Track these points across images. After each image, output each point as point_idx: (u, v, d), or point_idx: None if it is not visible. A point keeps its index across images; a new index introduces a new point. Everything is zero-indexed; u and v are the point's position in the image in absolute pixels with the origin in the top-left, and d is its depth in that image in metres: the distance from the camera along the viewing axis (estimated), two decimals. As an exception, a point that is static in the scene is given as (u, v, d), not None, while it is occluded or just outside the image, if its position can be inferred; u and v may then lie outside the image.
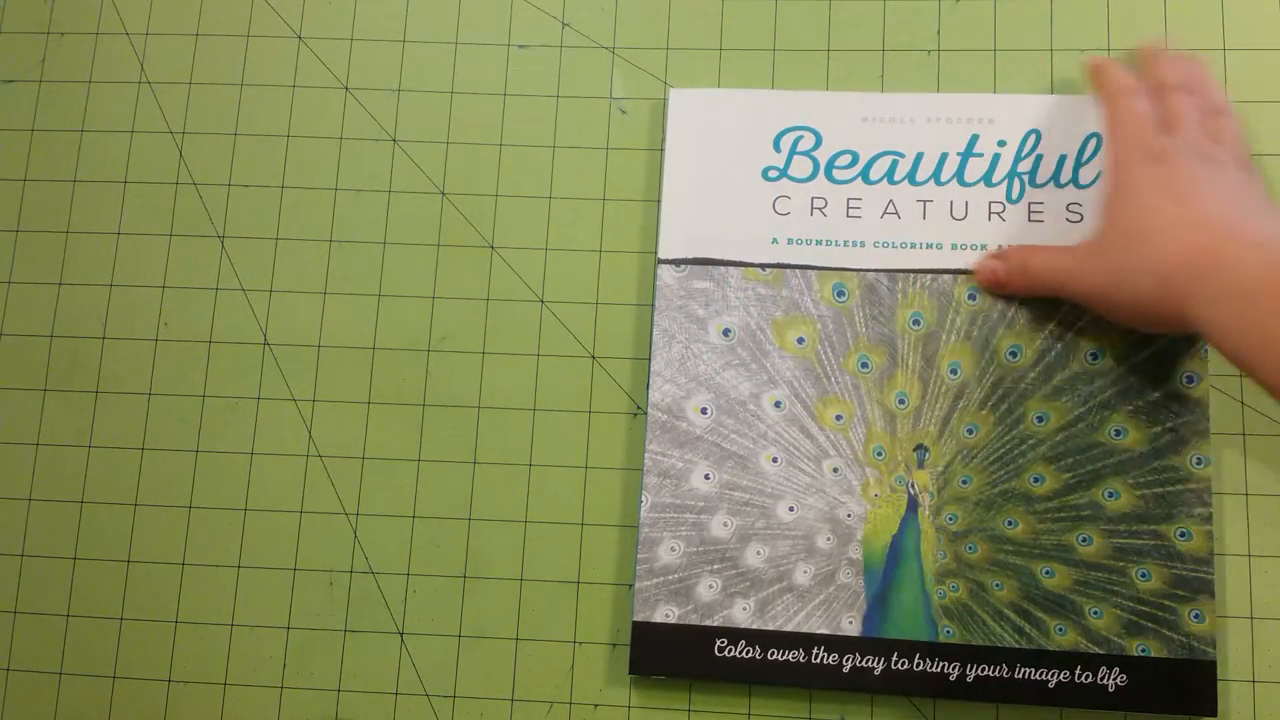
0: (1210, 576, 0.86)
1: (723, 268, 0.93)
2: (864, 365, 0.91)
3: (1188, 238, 0.78)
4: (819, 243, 0.93)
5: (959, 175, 0.93)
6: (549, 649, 0.92)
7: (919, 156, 0.94)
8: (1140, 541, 0.87)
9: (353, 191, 0.99)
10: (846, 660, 0.88)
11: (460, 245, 0.98)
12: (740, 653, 0.89)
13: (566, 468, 0.94)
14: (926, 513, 0.89)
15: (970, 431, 0.90)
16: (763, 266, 0.93)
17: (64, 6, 1.04)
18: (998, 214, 0.92)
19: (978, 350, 0.90)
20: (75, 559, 0.96)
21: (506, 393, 0.96)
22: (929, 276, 0.92)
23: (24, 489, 0.97)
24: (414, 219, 0.98)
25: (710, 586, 0.89)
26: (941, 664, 0.87)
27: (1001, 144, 0.94)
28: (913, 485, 0.90)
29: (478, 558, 0.94)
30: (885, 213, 0.93)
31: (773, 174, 0.95)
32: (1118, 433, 0.89)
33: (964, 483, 0.89)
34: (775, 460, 0.91)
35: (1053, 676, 0.86)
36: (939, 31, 0.98)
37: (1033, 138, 0.93)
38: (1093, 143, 0.93)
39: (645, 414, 0.93)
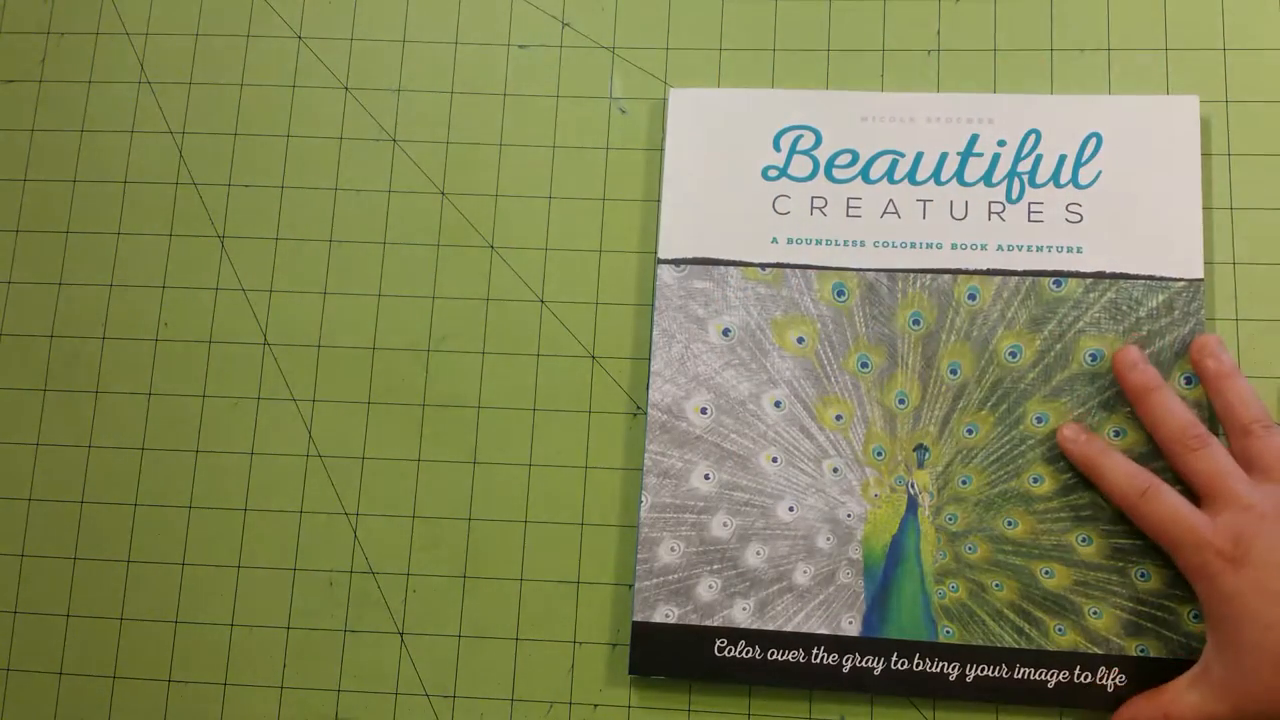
0: (1209, 576, 0.86)
1: (722, 267, 0.93)
2: (864, 365, 0.91)
3: None
4: (819, 242, 0.93)
5: (959, 175, 0.93)
6: (549, 649, 0.92)
7: (919, 156, 0.94)
8: (1139, 542, 0.87)
9: (353, 191, 0.99)
10: (846, 660, 0.88)
11: (460, 245, 0.98)
12: (740, 653, 0.89)
13: (566, 468, 0.94)
14: (926, 513, 0.89)
15: (970, 431, 0.90)
16: (762, 266, 0.93)
17: (64, 6, 1.04)
18: (998, 214, 0.92)
19: (977, 350, 0.90)
20: (75, 559, 0.96)
21: (506, 393, 0.96)
22: (929, 276, 0.92)
23: (24, 489, 0.97)
24: (414, 219, 0.98)
25: (710, 587, 0.89)
26: (941, 664, 0.87)
27: (1001, 144, 0.94)
28: (912, 485, 0.90)
29: (478, 558, 0.94)
30: (885, 212, 0.93)
31: (772, 173, 0.95)
32: (1117, 433, 0.89)
33: (964, 483, 0.89)
34: (775, 460, 0.91)
35: (1052, 676, 0.86)
36: (939, 31, 0.98)
37: (1032, 138, 0.93)
38: (1092, 143, 0.93)
39: (645, 414, 0.93)
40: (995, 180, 0.93)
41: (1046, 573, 0.88)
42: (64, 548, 0.96)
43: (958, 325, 0.91)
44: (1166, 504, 0.83)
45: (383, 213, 0.98)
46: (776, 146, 0.95)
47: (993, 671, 0.87)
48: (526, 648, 0.92)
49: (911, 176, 0.94)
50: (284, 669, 0.93)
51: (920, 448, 0.90)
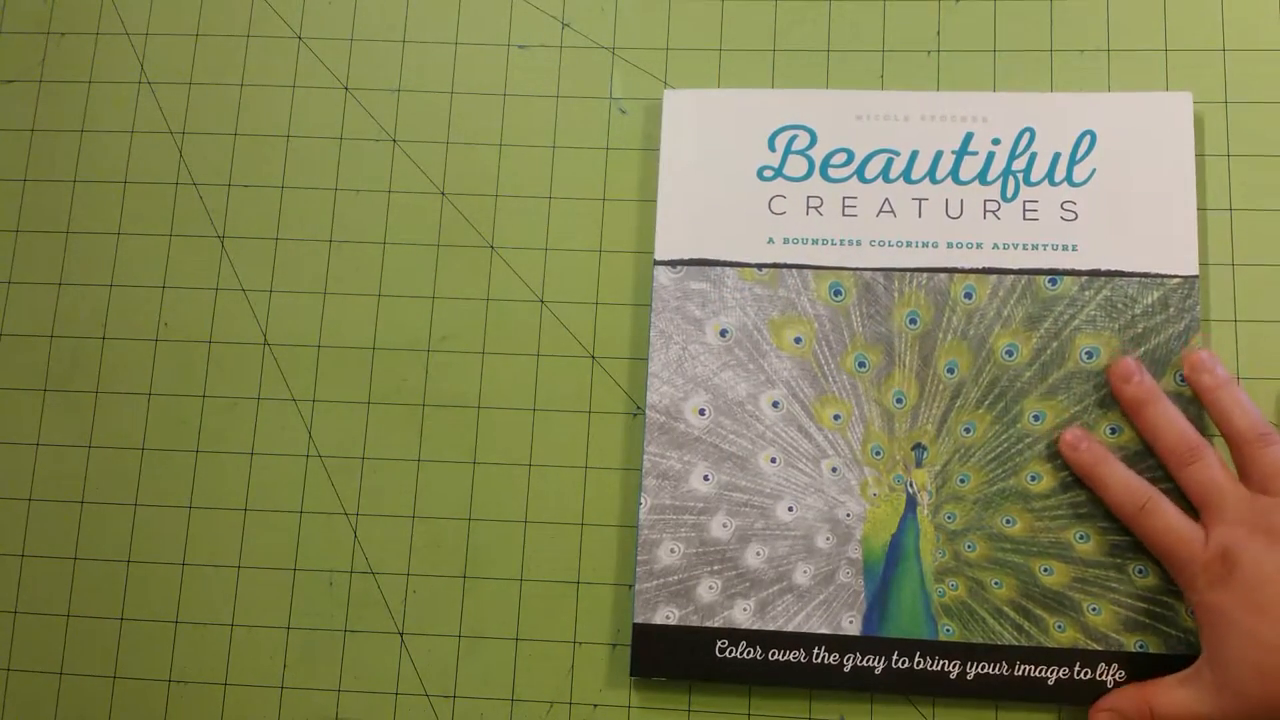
0: (1207, 572, 0.86)
1: (719, 268, 0.93)
2: (861, 364, 0.91)
3: None
4: (815, 242, 0.93)
5: (954, 173, 0.94)
6: (549, 649, 0.92)
7: (914, 155, 0.94)
8: (1137, 539, 0.87)
9: (353, 191, 0.99)
10: (847, 660, 0.88)
11: (460, 245, 0.98)
12: (741, 653, 0.89)
13: (566, 468, 0.94)
14: (925, 511, 0.89)
15: (968, 430, 0.90)
16: (759, 266, 0.93)
17: (64, 6, 1.04)
18: (993, 212, 0.93)
19: (974, 349, 0.91)
20: (75, 559, 0.96)
21: (506, 393, 0.96)
22: (925, 275, 0.92)
23: (24, 489, 0.97)
24: (414, 219, 0.98)
25: (710, 587, 0.90)
26: (942, 662, 0.87)
27: (996, 142, 0.94)
28: (911, 484, 0.90)
29: (478, 558, 0.94)
30: (881, 211, 0.93)
31: (768, 173, 0.95)
32: (1113, 430, 0.89)
33: (962, 481, 0.89)
34: (774, 460, 0.91)
35: (1052, 673, 0.86)
36: (939, 31, 0.98)
37: (1026, 135, 0.94)
38: (1086, 140, 0.93)
39: (645, 414, 0.93)
40: (990, 179, 0.93)
41: (1045, 570, 0.88)
42: (64, 548, 0.96)
43: (954, 324, 0.91)
44: (1162, 519, 0.84)
45: (383, 213, 0.99)
46: (771, 146, 0.95)
47: (993, 669, 0.87)
48: (526, 648, 0.92)
49: (907, 175, 0.94)
50: (284, 669, 0.93)
51: (918, 447, 0.90)
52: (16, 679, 0.94)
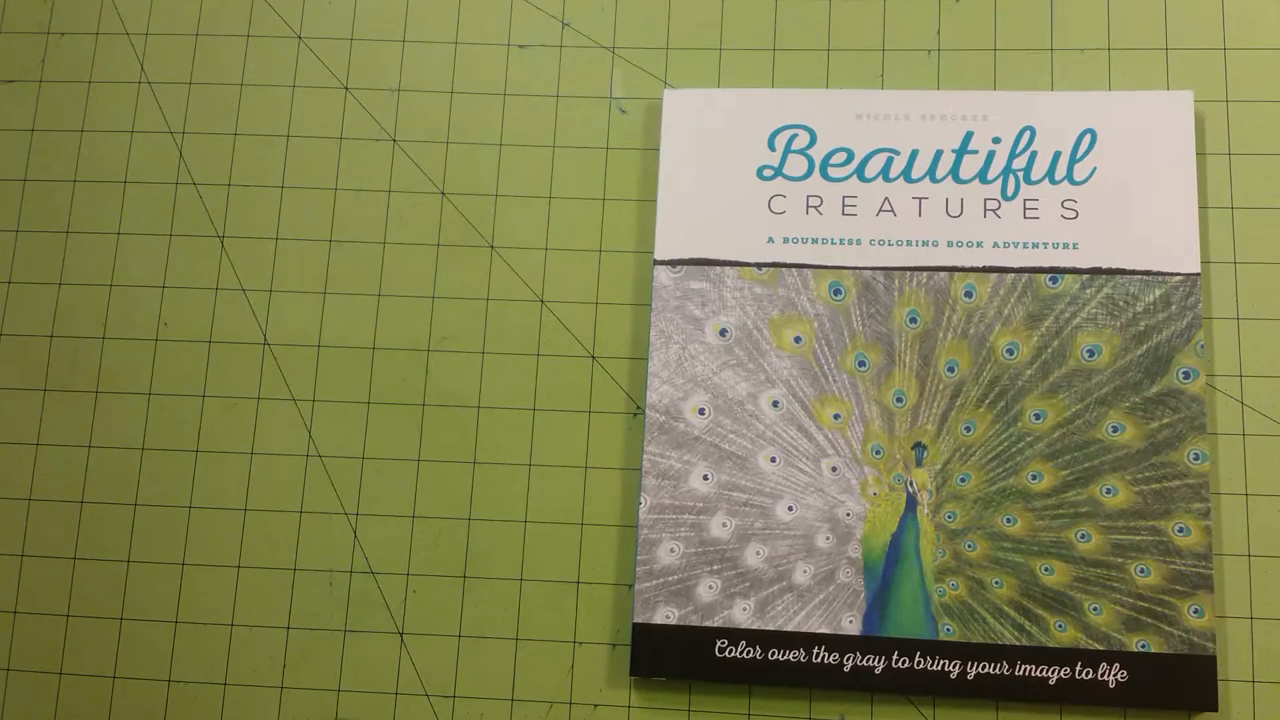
0: (1209, 572, 0.86)
1: (719, 268, 0.93)
2: (861, 364, 0.91)
3: None
4: (815, 241, 0.93)
5: (954, 172, 0.94)
6: (549, 649, 0.92)
7: (914, 154, 0.94)
8: (1139, 538, 0.87)
9: (353, 191, 0.99)
10: (847, 659, 0.88)
11: (460, 245, 0.98)
12: (741, 653, 0.89)
13: (566, 468, 0.94)
14: (925, 511, 0.89)
15: (968, 429, 0.90)
16: (759, 266, 0.93)
17: (64, 6, 1.04)
18: (993, 211, 0.93)
19: (975, 348, 0.91)
20: (75, 559, 0.96)
21: (506, 393, 0.96)
22: (925, 274, 0.92)
23: (24, 489, 0.97)
24: (414, 219, 0.98)
25: (710, 587, 0.90)
26: (942, 662, 0.87)
27: (996, 141, 0.94)
28: (911, 483, 0.90)
29: (478, 558, 0.94)
30: (881, 210, 0.94)
31: (768, 173, 0.95)
32: (1115, 429, 0.89)
33: (962, 480, 0.89)
34: (774, 460, 0.91)
35: (1053, 673, 0.86)
36: (939, 31, 0.98)
37: (1027, 134, 0.94)
38: (1087, 139, 0.93)
39: (645, 414, 0.93)
40: (990, 177, 0.93)
41: (1046, 569, 0.88)
42: (64, 548, 0.96)
43: (955, 323, 0.91)
44: None
45: (383, 213, 0.99)
46: (771, 146, 0.95)
47: (994, 669, 0.87)
48: (526, 648, 0.92)
49: (907, 174, 0.94)
50: (284, 669, 0.93)
51: (918, 446, 0.90)
52: (16, 679, 0.94)
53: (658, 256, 0.94)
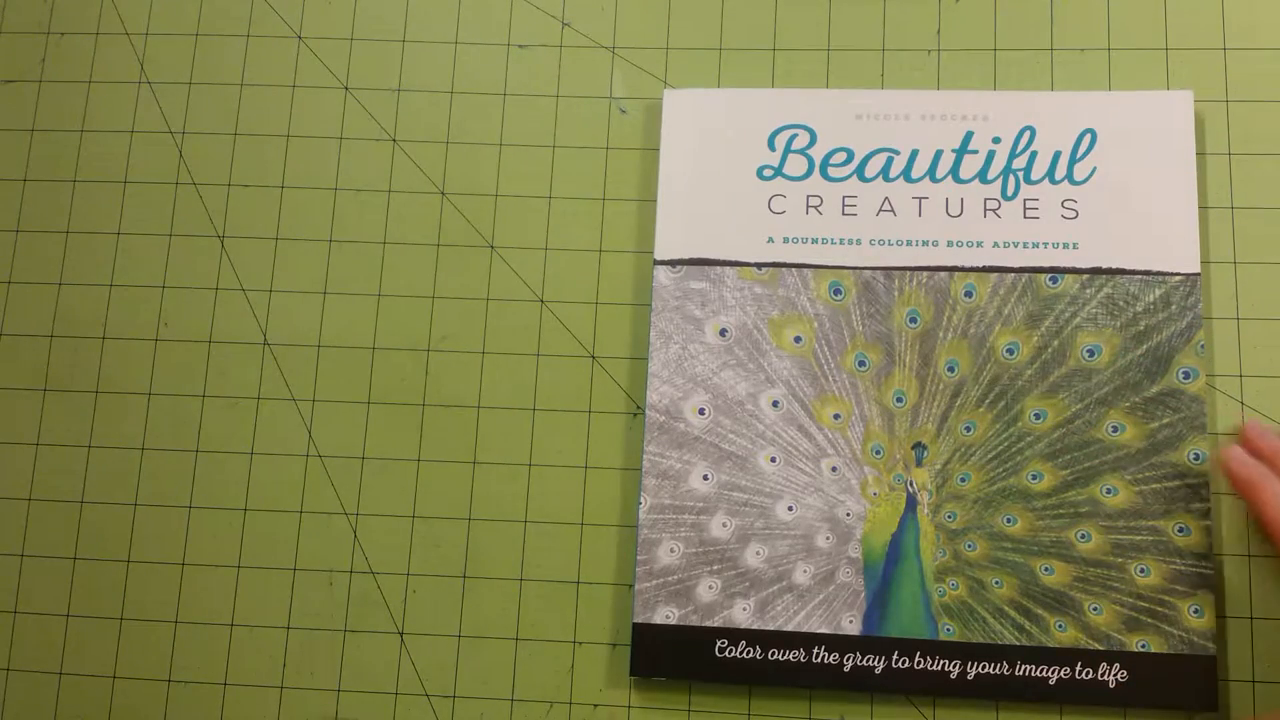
0: (1209, 572, 0.86)
1: (719, 268, 0.93)
2: (861, 363, 0.91)
3: None
4: (815, 241, 0.93)
5: (954, 172, 0.94)
6: (549, 649, 0.92)
7: (914, 154, 0.94)
8: (1139, 537, 0.87)
9: (353, 191, 0.99)
10: (847, 659, 0.88)
11: (460, 245, 0.98)
12: (741, 653, 0.89)
13: (566, 468, 0.94)
14: (925, 511, 0.89)
15: (968, 429, 0.90)
16: (759, 266, 0.93)
17: (64, 6, 1.04)
18: (993, 211, 0.93)
19: (975, 347, 0.91)
20: (75, 559, 0.96)
21: (506, 393, 0.96)
22: (925, 274, 0.92)
23: (24, 489, 0.97)
24: (414, 219, 0.98)
25: (710, 587, 0.90)
26: (942, 662, 0.87)
27: (996, 140, 0.94)
28: (911, 483, 0.90)
29: (478, 558, 0.94)
30: (881, 210, 0.94)
31: (768, 173, 0.95)
32: (1115, 429, 0.89)
33: (962, 480, 0.89)
34: (774, 460, 0.91)
35: (1053, 673, 0.86)
36: (939, 31, 0.98)
37: (1027, 134, 0.94)
38: (1087, 139, 0.93)
39: (645, 414, 0.93)
40: (990, 177, 0.93)
41: (1046, 569, 0.88)
42: (64, 548, 0.96)
43: (955, 323, 0.91)
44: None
45: (383, 213, 0.98)
46: (771, 146, 0.95)
47: (994, 669, 0.87)
48: (526, 648, 0.92)
49: (907, 174, 0.94)
50: (284, 669, 0.93)
51: (919, 446, 0.90)
52: (16, 679, 0.94)
53: (658, 256, 0.94)
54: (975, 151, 0.94)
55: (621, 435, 0.94)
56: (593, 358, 0.95)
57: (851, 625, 0.88)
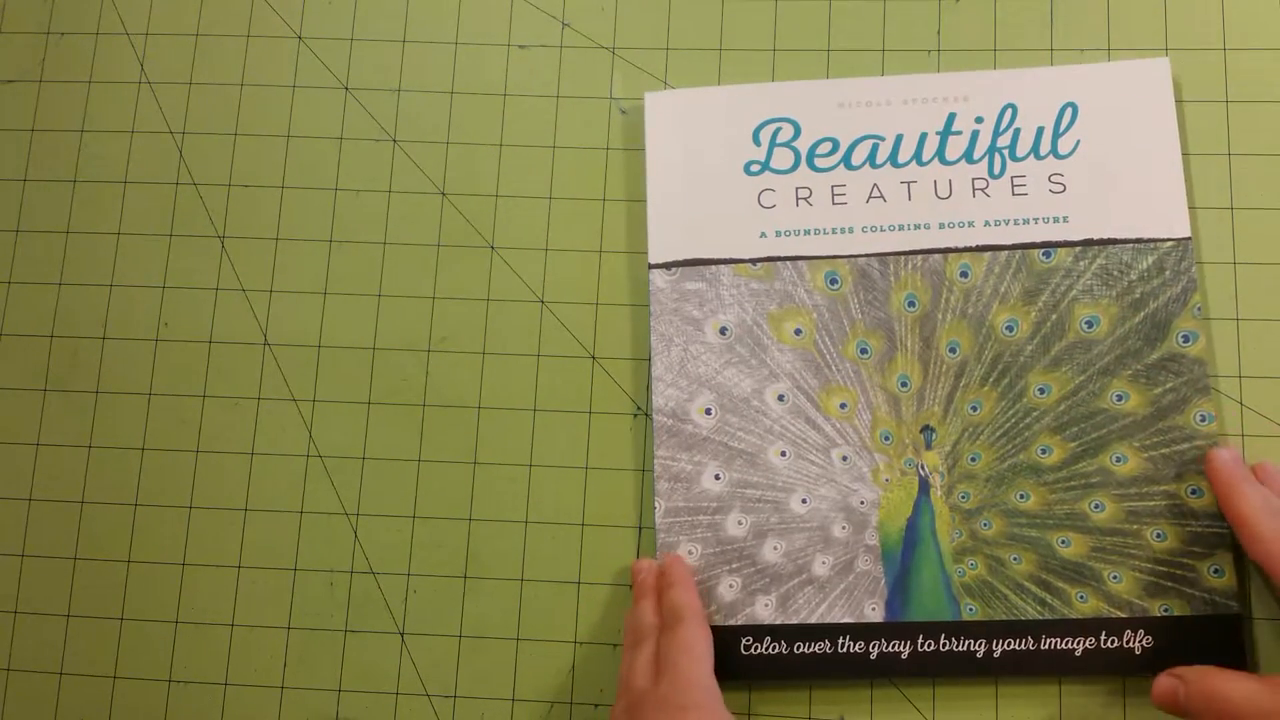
0: (1225, 531, 0.86)
1: (714, 266, 0.94)
2: (863, 351, 0.91)
3: None
4: (807, 233, 0.94)
5: (940, 154, 0.94)
6: (549, 649, 0.92)
7: (899, 138, 0.95)
8: (1152, 503, 0.87)
9: (353, 191, 0.99)
10: (873, 647, 0.88)
11: (460, 245, 0.98)
12: (767, 649, 0.88)
13: (567, 468, 0.94)
14: (939, 493, 0.89)
15: (974, 409, 0.90)
16: (753, 261, 0.94)
17: (64, 6, 1.04)
18: (982, 190, 0.93)
19: (974, 327, 0.91)
20: (75, 559, 0.95)
21: (506, 393, 0.95)
22: (920, 257, 0.92)
23: (24, 489, 0.96)
24: (414, 219, 0.98)
25: (731, 586, 0.89)
26: (967, 642, 0.87)
27: (979, 120, 0.95)
28: (923, 467, 0.90)
29: (478, 558, 0.93)
30: (870, 197, 0.94)
31: (755, 168, 0.95)
32: (1119, 398, 0.89)
33: (973, 460, 0.89)
34: (784, 454, 0.91)
35: (1078, 644, 0.86)
36: (939, 31, 0.98)
37: (1009, 112, 0.94)
38: (1068, 112, 0.94)
39: (646, 414, 0.93)
40: (976, 157, 0.94)
41: (1063, 542, 0.88)
42: (64, 548, 0.95)
43: (952, 304, 0.91)
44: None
45: (383, 213, 0.99)
46: (756, 141, 0.96)
47: (1019, 645, 0.87)
48: (527, 648, 0.92)
49: (893, 159, 0.95)
50: (284, 669, 0.92)
51: (927, 429, 0.90)
52: (16, 679, 0.94)
53: (652, 260, 0.94)
54: (959, 132, 0.94)
55: (622, 435, 0.94)
56: (593, 358, 0.95)
57: (874, 613, 0.88)
